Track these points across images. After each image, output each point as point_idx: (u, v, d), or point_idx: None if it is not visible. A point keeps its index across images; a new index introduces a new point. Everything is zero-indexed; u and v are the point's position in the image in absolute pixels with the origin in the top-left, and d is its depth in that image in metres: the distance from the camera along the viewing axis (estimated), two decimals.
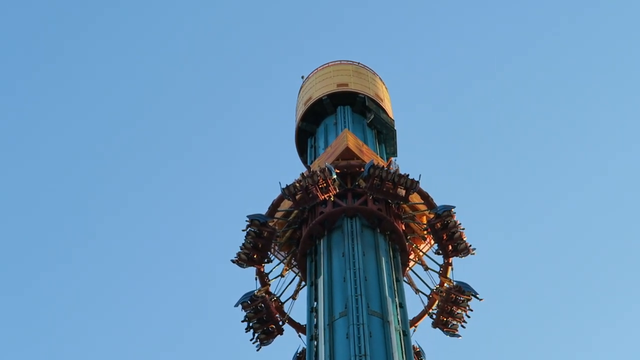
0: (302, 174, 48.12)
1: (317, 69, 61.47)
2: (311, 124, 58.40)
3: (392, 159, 52.65)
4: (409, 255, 48.55)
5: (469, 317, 47.25)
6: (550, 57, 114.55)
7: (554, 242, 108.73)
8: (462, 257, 47.53)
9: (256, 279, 48.34)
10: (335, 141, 52.50)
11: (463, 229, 47.44)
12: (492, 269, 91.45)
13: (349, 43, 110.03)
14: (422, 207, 49.35)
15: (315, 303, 44.00)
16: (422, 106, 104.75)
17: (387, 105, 59.10)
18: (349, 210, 47.01)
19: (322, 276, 44.30)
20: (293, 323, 48.18)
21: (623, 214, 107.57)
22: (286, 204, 49.18)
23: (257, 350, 47.04)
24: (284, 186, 47.68)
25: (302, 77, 62.08)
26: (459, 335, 47.39)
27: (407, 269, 48.96)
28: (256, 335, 46.99)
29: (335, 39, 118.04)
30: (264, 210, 49.13)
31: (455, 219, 47.32)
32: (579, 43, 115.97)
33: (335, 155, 50.43)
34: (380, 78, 61.17)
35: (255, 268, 48.19)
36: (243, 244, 47.60)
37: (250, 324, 46.89)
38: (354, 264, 43.53)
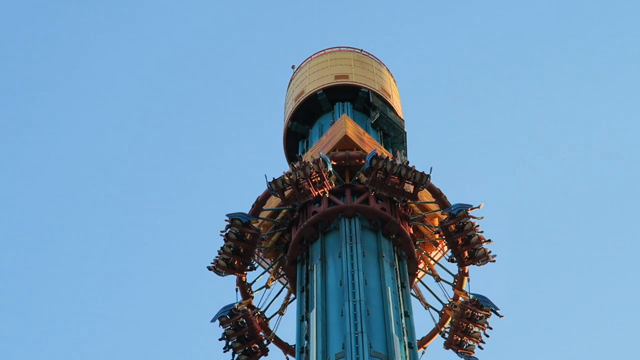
0: (293, 165, 41.89)
1: (310, 57, 53.98)
2: (303, 124, 51.06)
3: (398, 151, 45.50)
4: (418, 264, 42.53)
5: (487, 336, 40.96)
6: (567, 49, 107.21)
7: (582, 248, 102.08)
8: (480, 265, 41.34)
9: (237, 290, 42.22)
10: (331, 128, 45.93)
11: (481, 232, 41.03)
12: (513, 280, 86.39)
13: (349, 26, 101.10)
14: (434, 207, 43.16)
15: (305, 342, 37.33)
16: (435, 103, 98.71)
17: (396, 102, 51.77)
18: (347, 210, 40.71)
19: (314, 309, 37.47)
20: (280, 342, 42.21)
21: None
22: (273, 202, 42.98)
23: None
24: (270, 180, 41.20)
25: (293, 67, 54.68)
26: (476, 359, 41.14)
27: (416, 280, 42.89)
28: (236, 356, 40.87)
29: (332, 21, 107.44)
30: (247, 210, 42.60)
31: (472, 220, 40.88)
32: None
33: (331, 145, 43.95)
34: (387, 69, 53.81)
35: (235, 277, 42.00)
36: (222, 248, 41.25)
37: (230, 343, 40.79)
38: (353, 285, 37.15)
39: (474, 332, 40.86)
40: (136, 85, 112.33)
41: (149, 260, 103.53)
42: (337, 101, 50.28)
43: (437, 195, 42.79)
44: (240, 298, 41.90)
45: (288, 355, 41.77)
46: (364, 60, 53.14)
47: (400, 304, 37.95)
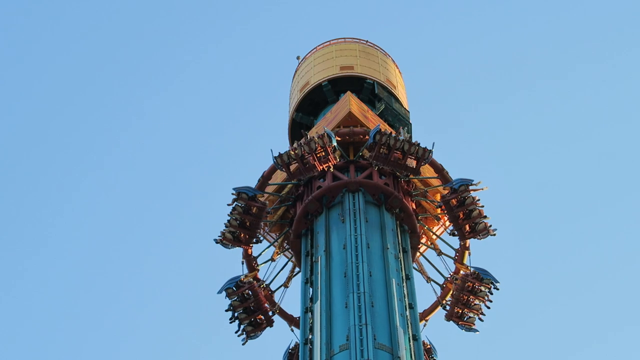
0: (298, 142, 42.15)
1: (316, 47, 53.83)
2: (308, 115, 51.07)
3: (402, 127, 45.92)
4: (420, 239, 42.93)
5: (488, 308, 41.48)
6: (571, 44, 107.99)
7: (582, 227, 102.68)
8: (480, 238, 41.66)
9: (242, 263, 42.71)
10: (336, 106, 46.35)
11: (482, 206, 41.47)
12: (514, 253, 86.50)
13: (354, 17, 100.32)
14: (436, 182, 43.57)
15: (309, 334, 37.11)
16: (439, 93, 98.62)
17: (401, 93, 51.52)
18: (351, 185, 41.11)
19: (318, 301, 37.25)
20: (284, 314, 42.63)
21: None
22: (279, 177, 43.47)
23: (243, 344, 41.45)
24: (276, 154, 41.82)
25: (298, 58, 54.48)
26: (476, 330, 41.83)
27: (418, 254, 43.35)
28: (242, 327, 41.31)
29: (338, 11, 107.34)
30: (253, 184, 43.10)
31: (473, 194, 41.33)
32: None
33: (336, 122, 44.42)
34: (392, 60, 53.60)
35: (242, 250, 42.48)
36: (228, 221, 41.68)
37: (236, 314, 41.20)
38: (358, 277, 36.86)
39: (475, 304, 41.28)
40: (140, 83, 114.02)
41: (161, 236, 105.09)
42: (342, 92, 49.38)
43: (439, 170, 43.26)
44: (246, 271, 42.38)
45: (292, 327, 42.06)
46: (369, 51, 52.79)
47: (404, 296, 37.65)
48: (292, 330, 42.00)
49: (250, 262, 42.67)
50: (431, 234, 43.62)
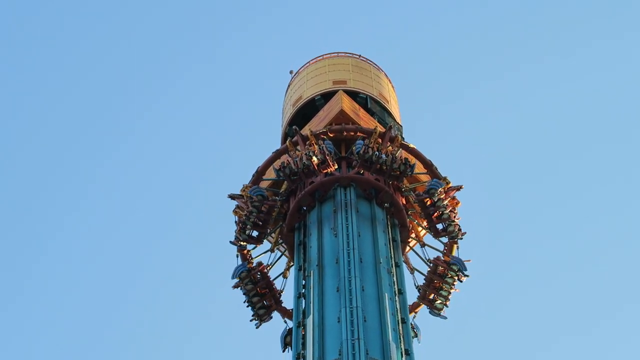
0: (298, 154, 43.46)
1: (308, 62, 53.92)
2: (300, 128, 50.50)
3: (392, 126, 46.64)
4: (410, 233, 44.35)
5: (455, 290, 43.12)
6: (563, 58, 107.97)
7: (555, 218, 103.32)
8: (450, 240, 43.38)
9: (237, 256, 44.00)
10: (328, 104, 47.60)
11: (452, 209, 43.18)
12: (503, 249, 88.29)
13: (347, 31, 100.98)
14: (425, 178, 44.86)
15: (303, 350, 37.54)
16: (434, 108, 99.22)
17: (394, 108, 51.90)
18: (343, 180, 42.58)
19: (310, 316, 37.85)
20: (280, 308, 43.62)
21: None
22: (272, 173, 44.87)
23: (257, 327, 43.07)
24: (277, 167, 43.94)
25: (291, 72, 54.73)
26: (444, 317, 43.24)
27: (408, 248, 44.73)
28: (257, 307, 42.96)
29: (330, 26, 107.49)
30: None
31: (442, 195, 43.02)
32: None
33: (328, 119, 45.87)
34: (385, 74, 53.78)
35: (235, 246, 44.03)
36: (244, 223, 43.36)
37: (249, 297, 42.89)
38: (350, 292, 37.22)
39: (443, 291, 42.53)
40: (136, 86, 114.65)
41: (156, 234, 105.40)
42: None
43: (429, 166, 44.60)
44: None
45: (286, 318, 42.59)
46: (362, 65, 52.98)
47: (397, 311, 38.25)
48: (285, 322, 42.42)
49: (245, 256, 43.76)
50: (419, 228, 44.69)
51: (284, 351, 40.80)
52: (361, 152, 42.40)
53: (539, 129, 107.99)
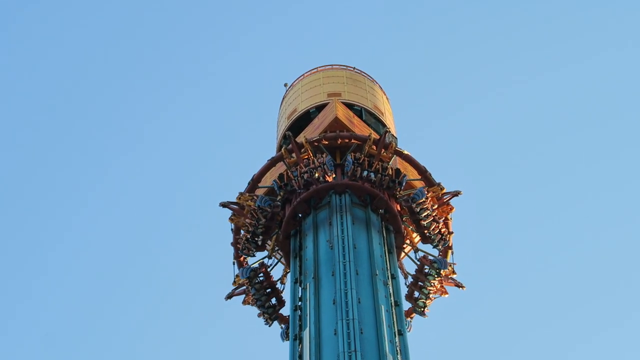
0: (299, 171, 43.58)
1: (303, 75, 54.05)
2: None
3: (387, 132, 46.46)
4: (405, 239, 44.50)
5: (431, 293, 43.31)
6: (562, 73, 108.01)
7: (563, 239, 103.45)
8: (434, 247, 43.72)
9: (234, 264, 44.68)
10: (323, 112, 47.95)
11: (438, 217, 43.47)
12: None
13: (341, 44, 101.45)
14: (420, 184, 44.92)
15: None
16: (428, 119, 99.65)
17: (389, 120, 51.66)
18: (338, 187, 42.77)
19: (307, 328, 37.85)
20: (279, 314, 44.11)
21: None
22: (268, 180, 45.35)
23: (269, 326, 43.77)
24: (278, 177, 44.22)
25: (286, 85, 54.78)
26: (425, 315, 43.65)
27: (403, 254, 45.06)
28: (266, 306, 43.49)
29: (325, 38, 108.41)
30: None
31: (426, 205, 43.04)
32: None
33: (323, 127, 46.21)
34: (380, 86, 53.70)
35: (232, 252, 44.89)
36: (253, 232, 43.52)
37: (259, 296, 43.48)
38: (347, 304, 37.23)
39: (425, 289, 42.81)
40: (137, 97, 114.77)
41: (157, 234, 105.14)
42: None
43: (423, 173, 44.69)
44: (237, 271, 44.16)
45: (282, 325, 43.12)
46: (356, 78, 52.93)
47: (393, 323, 38.02)
48: (282, 328, 42.98)
49: (241, 263, 44.32)
50: (413, 234, 44.65)
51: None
52: (349, 172, 42.48)
53: (533, 136, 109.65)
